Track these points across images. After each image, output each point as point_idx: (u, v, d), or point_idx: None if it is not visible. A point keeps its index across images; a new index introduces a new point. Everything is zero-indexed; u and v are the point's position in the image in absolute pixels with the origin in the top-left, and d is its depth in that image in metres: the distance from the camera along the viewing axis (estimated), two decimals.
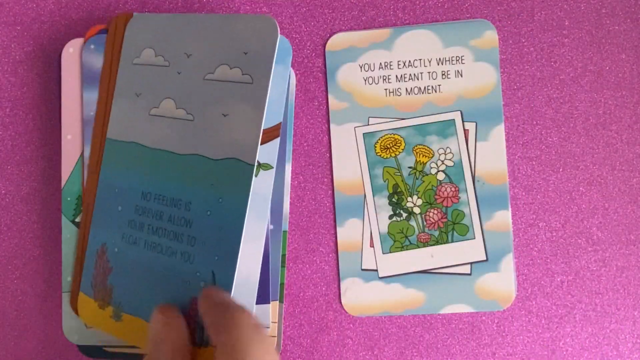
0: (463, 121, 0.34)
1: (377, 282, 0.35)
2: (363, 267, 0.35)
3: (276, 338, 0.33)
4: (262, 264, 0.32)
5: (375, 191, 0.35)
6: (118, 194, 0.32)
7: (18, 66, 0.36)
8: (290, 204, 0.36)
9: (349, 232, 0.36)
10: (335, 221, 0.36)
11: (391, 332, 0.36)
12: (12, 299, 0.36)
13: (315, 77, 0.36)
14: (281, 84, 0.34)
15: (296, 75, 0.36)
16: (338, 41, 0.36)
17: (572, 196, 0.37)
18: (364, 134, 0.35)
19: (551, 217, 0.36)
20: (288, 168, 0.35)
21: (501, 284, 0.35)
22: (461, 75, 0.35)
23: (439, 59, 0.34)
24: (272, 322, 0.33)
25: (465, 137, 0.35)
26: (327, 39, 0.36)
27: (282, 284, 0.34)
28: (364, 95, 0.35)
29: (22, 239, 0.36)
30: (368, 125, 0.35)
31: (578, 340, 0.36)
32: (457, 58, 0.34)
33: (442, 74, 0.35)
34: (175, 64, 0.32)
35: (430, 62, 0.35)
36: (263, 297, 0.33)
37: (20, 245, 0.36)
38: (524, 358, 0.36)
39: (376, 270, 0.35)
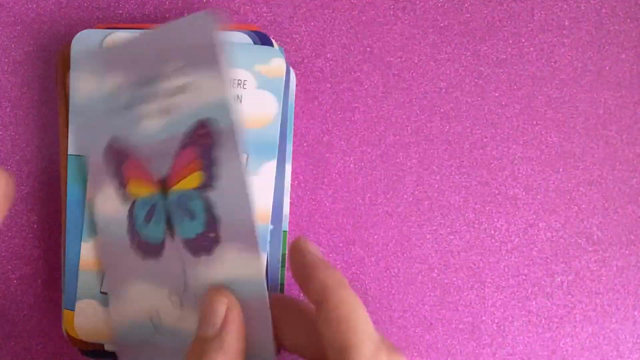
0: None
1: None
2: (102, 290, 0.32)
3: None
4: None
5: None
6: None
7: (18, 66, 0.36)
8: (290, 204, 0.36)
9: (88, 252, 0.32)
10: (337, 221, 0.36)
11: (391, 332, 0.36)
12: (12, 299, 0.36)
13: (316, 77, 0.36)
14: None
15: (296, 75, 0.36)
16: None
17: (572, 196, 0.37)
18: None
19: (551, 217, 0.36)
20: (288, 168, 0.35)
21: None
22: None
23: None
24: None
25: None
26: (328, 39, 0.36)
27: (282, 284, 0.34)
28: None
29: (22, 239, 0.36)
30: None
31: (578, 340, 0.36)
32: None
33: None
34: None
35: None
36: None
37: (20, 245, 0.36)
38: (524, 358, 0.36)
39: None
